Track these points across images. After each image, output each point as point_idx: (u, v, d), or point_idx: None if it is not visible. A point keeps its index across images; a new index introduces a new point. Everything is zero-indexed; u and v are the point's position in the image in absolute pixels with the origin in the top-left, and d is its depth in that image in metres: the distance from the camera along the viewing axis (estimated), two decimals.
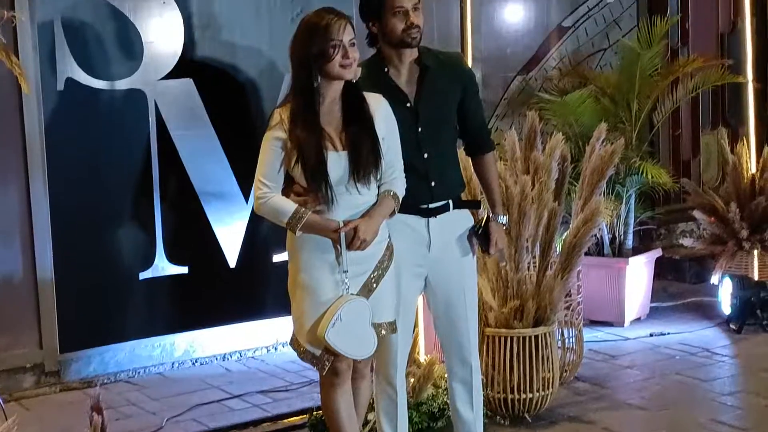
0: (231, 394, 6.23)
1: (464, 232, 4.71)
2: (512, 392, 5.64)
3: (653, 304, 7.69)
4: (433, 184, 4.57)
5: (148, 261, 6.56)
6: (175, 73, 6.53)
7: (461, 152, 4.90)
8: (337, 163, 4.24)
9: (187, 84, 6.57)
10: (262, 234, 6.80)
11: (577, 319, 6.38)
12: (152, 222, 6.54)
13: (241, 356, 6.90)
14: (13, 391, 6.24)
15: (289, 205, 4.24)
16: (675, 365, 6.54)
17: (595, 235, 6.69)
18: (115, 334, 6.54)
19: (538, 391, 5.66)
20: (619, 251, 7.54)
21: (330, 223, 4.25)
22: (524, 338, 5.61)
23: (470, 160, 4.93)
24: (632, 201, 7.64)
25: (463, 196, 4.87)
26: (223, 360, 6.85)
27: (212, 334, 6.83)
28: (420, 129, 4.54)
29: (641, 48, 7.64)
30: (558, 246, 5.94)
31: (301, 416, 5.78)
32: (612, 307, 7.36)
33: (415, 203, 4.52)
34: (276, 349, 6.98)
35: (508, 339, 5.62)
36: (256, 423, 5.81)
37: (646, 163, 7.50)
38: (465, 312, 4.74)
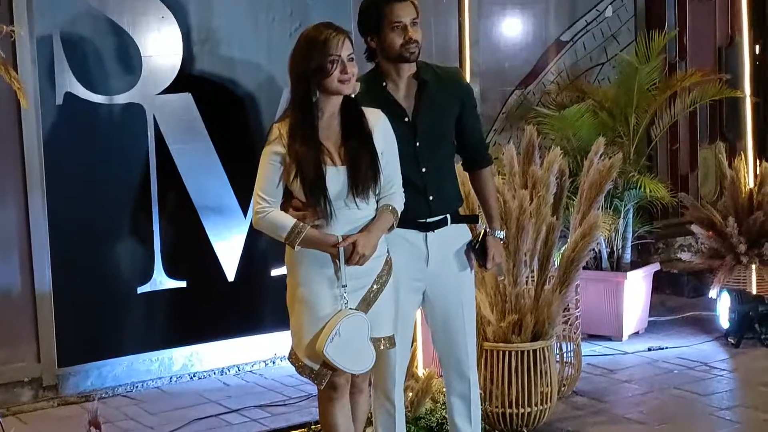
0: (229, 409, 6.22)
1: (462, 246, 4.72)
2: (510, 407, 5.64)
3: (651, 318, 7.68)
4: (431, 198, 4.58)
5: (147, 275, 6.56)
6: (174, 88, 6.53)
7: (459, 167, 4.90)
8: (335, 177, 4.25)
9: (185, 98, 6.58)
10: (260, 248, 6.80)
11: (575, 333, 6.38)
12: (150, 236, 6.54)
13: (239, 370, 6.89)
14: (11, 405, 6.24)
15: (287, 220, 4.24)
16: (673, 379, 6.54)
17: (594, 250, 6.69)
18: (113, 349, 6.53)
19: (536, 405, 5.66)
20: (618, 265, 7.54)
21: (329, 238, 4.26)
22: (522, 352, 5.61)
23: (468, 175, 4.94)
24: (630, 215, 7.64)
25: (461, 211, 4.88)
26: (222, 374, 6.84)
27: (210, 348, 6.82)
28: (418, 143, 4.55)
29: (639, 62, 7.66)
30: (556, 260, 5.94)
31: (299, 431, 5.78)
32: (610, 322, 7.36)
33: (413, 218, 4.53)
34: (274, 363, 6.98)
35: (507, 353, 5.62)
36: None
37: (644, 177, 7.51)
38: (463, 326, 4.74)
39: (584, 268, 6.04)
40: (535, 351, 5.63)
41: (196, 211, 6.64)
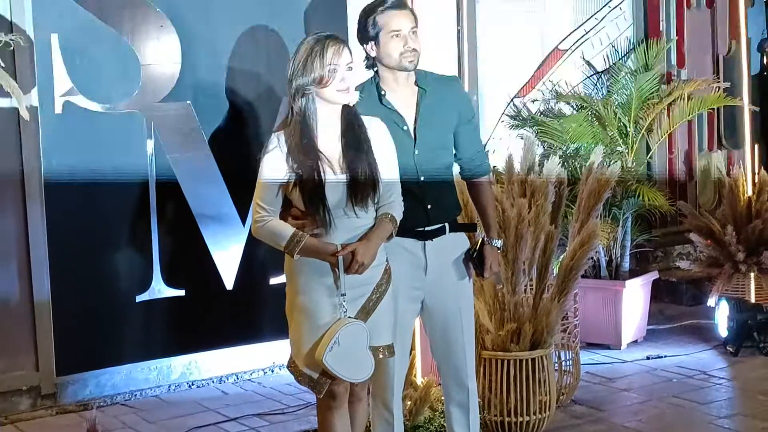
0: (227, 417, 6.22)
1: (460, 255, 4.73)
2: (509, 415, 5.64)
3: (650, 327, 7.68)
4: (429, 207, 4.59)
5: (145, 284, 6.56)
6: (173, 96, 6.54)
7: (457, 175, 4.91)
8: (334, 186, 4.25)
9: (184, 107, 6.58)
10: (259, 257, 6.81)
11: (573, 341, 6.38)
12: (149, 245, 6.54)
13: (237, 379, 6.89)
14: (10, 414, 6.23)
15: (287, 229, 4.25)
16: (672, 388, 6.53)
17: (592, 258, 6.70)
18: (112, 357, 6.53)
19: (534, 414, 5.66)
20: (616, 274, 7.54)
21: (328, 247, 4.26)
22: (521, 361, 5.62)
23: (466, 184, 4.94)
24: (629, 223, 7.64)
25: (460, 219, 4.88)
26: (220, 383, 6.84)
27: (209, 356, 6.82)
28: (416, 152, 4.55)
29: (638, 71, 7.66)
30: (555, 269, 5.94)
31: None
32: (609, 330, 7.36)
33: (411, 226, 4.53)
34: (273, 371, 6.98)
35: (505, 362, 5.62)
36: None
37: (642, 185, 7.51)
38: (462, 335, 4.74)
39: (583, 276, 6.04)
40: (533, 359, 5.63)
41: (194, 220, 6.64)
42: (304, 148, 4.23)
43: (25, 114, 5.67)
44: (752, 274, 7.68)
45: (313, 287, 4.31)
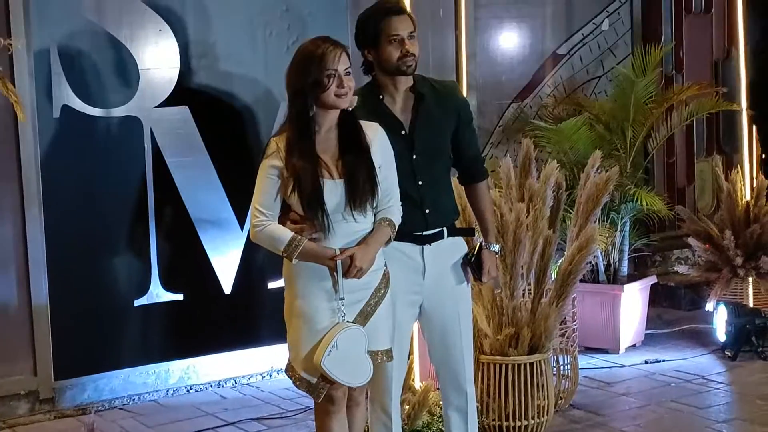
0: (226, 422, 6.22)
1: (459, 259, 4.72)
2: (507, 419, 5.64)
3: (648, 331, 7.68)
4: (427, 211, 4.59)
5: (143, 288, 6.56)
6: (171, 101, 6.54)
7: (455, 180, 4.91)
8: (333, 191, 4.25)
9: (183, 111, 6.59)
10: (257, 261, 6.81)
11: (572, 346, 6.38)
12: (147, 249, 6.54)
13: (236, 383, 6.89)
14: (8, 418, 6.23)
15: (285, 233, 4.24)
16: (670, 392, 6.53)
17: (590, 262, 6.71)
18: (110, 361, 6.53)
19: (533, 418, 5.66)
20: (614, 278, 7.54)
21: (326, 251, 4.26)
22: (519, 365, 5.61)
23: (464, 188, 4.94)
24: (627, 228, 7.64)
25: (458, 224, 4.88)
26: (218, 387, 6.84)
27: (207, 361, 6.82)
28: (415, 157, 4.55)
29: (636, 75, 7.66)
30: (553, 273, 5.94)
31: None
32: (607, 334, 7.36)
33: (409, 231, 4.53)
34: (271, 376, 6.98)
35: (503, 366, 5.62)
36: None
37: (640, 190, 7.51)
38: (460, 339, 4.74)
39: (581, 280, 6.04)
40: (532, 364, 5.63)
41: (192, 224, 6.65)
42: (302, 152, 4.23)
43: (22, 118, 5.66)
44: (750, 279, 7.68)
45: (312, 291, 4.31)
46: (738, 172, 7.94)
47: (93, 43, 6.32)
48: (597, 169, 6.39)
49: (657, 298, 8.27)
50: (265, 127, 6.76)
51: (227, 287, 6.79)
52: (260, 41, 6.83)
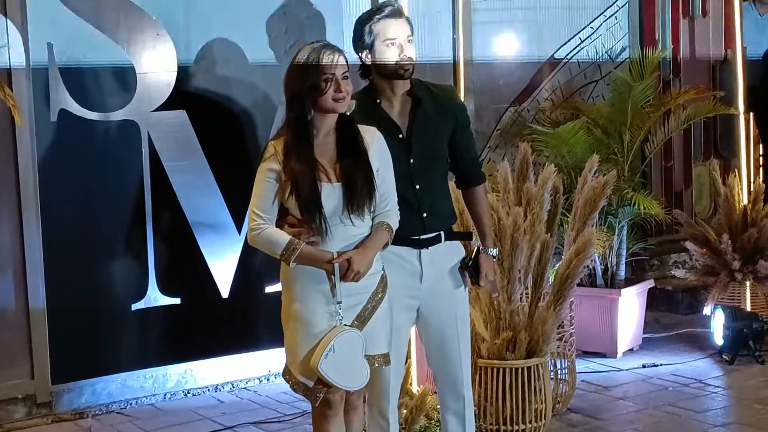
0: (223, 426, 6.21)
1: (456, 263, 4.72)
2: (504, 424, 5.64)
3: (646, 335, 7.68)
4: (424, 215, 4.58)
5: (141, 292, 6.55)
6: (169, 105, 6.54)
7: (452, 184, 4.91)
8: (331, 194, 4.25)
9: (180, 116, 6.59)
10: (254, 265, 6.80)
11: (569, 350, 6.38)
12: (145, 253, 6.54)
13: (233, 387, 6.89)
14: (5, 422, 6.22)
15: (282, 237, 4.24)
16: (668, 396, 6.53)
17: (588, 266, 6.70)
18: (108, 365, 6.53)
19: (530, 422, 5.66)
20: (612, 282, 7.54)
21: (324, 255, 4.26)
22: (517, 369, 5.61)
23: (461, 192, 4.94)
24: (624, 232, 7.64)
25: (455, 228, 4.88)
26: (216, 391, 6.84)
27: (205, 365, 6.81)
28: (412, 161, 4.55)
29: (633, 80, 7.67)
30: (550, 277, 5.94)
31: None
32: (604, 338, 7.36)
33: (406, 235, 4.53)
34: (268, 380, 6.97)
35: (501, 370, 5.62)
36: None
37: (638, 194, 7.51)
38: (457, 343, 4.74)
39: (578, 284, 6.04)
40: (529, 368, 5.63)
41: (190, 228, 6.64)
42: (300, 156, 4.23)
43: (19, 121, 5.66)
44: (748, 283, 7.68)
45: (309, 295, 4.31)
46: (735, 176, 7.95)
47: (90, 47, 6.31)
48: (594, 173, 6.40)
49: (654, 302, 8.27)
50: (263, 130, 6.76)
51: (225, 291, 6.79)
52: (258, 45, 6.82)
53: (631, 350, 7.48)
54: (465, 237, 4.98)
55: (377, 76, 4.57)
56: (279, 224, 4.31)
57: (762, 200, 7.82)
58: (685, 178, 8.98)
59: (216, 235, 6.71)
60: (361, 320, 4.35)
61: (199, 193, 6.66)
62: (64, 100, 6.23)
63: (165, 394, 6.71)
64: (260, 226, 4.27)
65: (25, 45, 6.07)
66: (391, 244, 4.43)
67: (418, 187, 4.57)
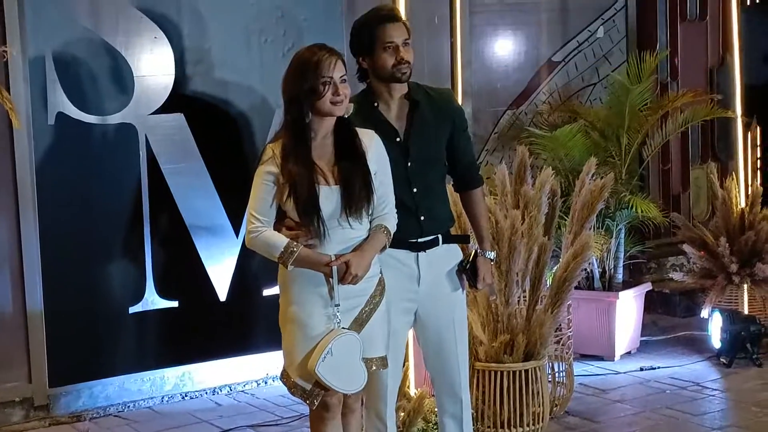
0: (221, 429, 6.21)
1: (454, 266, 4.72)
2: (502, 427, 5.64)
3: (643, 338, 7.68)
4: (422, 218, 4.59)
5: (138, 295, 6.55)
6: (166, 108, 6.54)
7: (450, 187, 4.91)
8: (329, 197, 4.26)
9: (178, 118, 6.59)
10: (252, 268, 6.80)
11: (567, 353, 6.38)
12: (142, 256, 6.53)
13: (231, 390, 6.88)
14: (2, 426, 6.22)
15: (280, 240, 4.25)
16: (665, 399, 6.53)
17: (585, 269, 6.70)
18: (105, 368, 6.52)
19: (528, 425, 5.66)
20: (609, 285, 7.54)
21: (322, 257, 4.26)
22: (514, 372, 5.62)
23: (459, 196, 4.94)
24: (622, 235, 7.64)
25: (453, 231, 4.88)
26: (213, 394, 6.83)
27: (202, 368, 6.81)
28: (409, 164, 4.56)
29: (631, 83, 7.67)
30: (548, 280, 5.95)
31: None
32: (602, 341, 7.36)
33: (404, 238, 4.53)
34: (266, 383, 6.97)
35: (498, 373, 5.62)
36: None
37: (635, 197, 7.52)
38: (455, 346, 4.74)
39: (576, 287, 6.05)
40: (527, 371, 5.63)
41: (187, 231, 6.64)
42: (298, 159, 4.23)
43: (17, 124, 5.66)
44: (745, 286, 7.67)
45: (307, 298, 4.31)
46: (733, 179, 7.95)
47: (88, 50, 6.32)
48: (592, 176, 6.40)
49: (652, 305, 8.28)
50: (261, 133, 6.76)
51: (222, 294, 6.79)
52: (255, 48, 6.83)
53: (628, 353, 7.48)
54: (463, 240, 4.98)
55: (375, 80, 4.57)
56: (277, 227, 4.31)
57: (759, 203, 7.82)
58: (682, 181, 8.98)
59: (213, 238, 6.71)
60: (359, 323, 4.35)
61: (196, 196, 6.66)
62: (61, 103, 6.23)
63: (163, 397, 6.70)
64: (258, 228, 4.27)
65: (23, 48, 6.07)
66: (389, 247, 4.43)
67: (415, 190, 4.57)
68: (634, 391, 6.74)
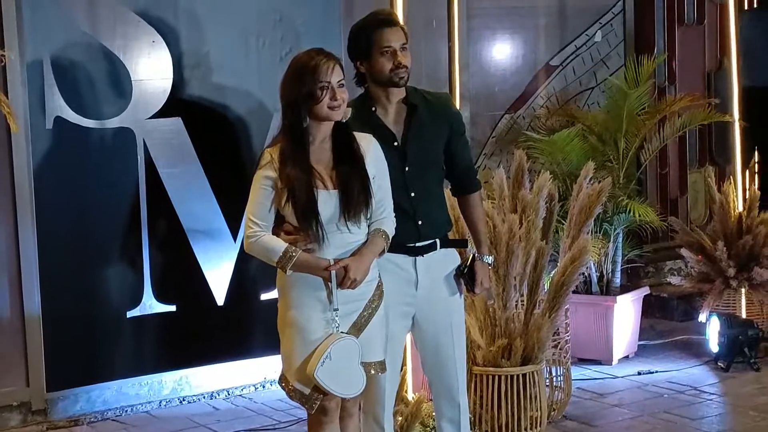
0: None
1: (451, 271, 4.72)
2: (500, 431, 5.64)
3: (641, 342, 7.68)
4: (420, 223, 4.59)
5: (136, 299, 6.55)
6: (164, 112, 6.54)
7: (448, 191, 4.91)
8: (327, 201, 4.26)
9: (176, 123, 6.58)
10: (250, 272, 6.80)
11: (565, 357, 6.38)
12: (140, 260, 6.53)
13: (228, 394, 6.88)
14: (0, 430, 6.21)
15: (279, 245, 4.25)
16: (663, 404, 6.53)
17: (583, 274, 6.70)
18: (103, 373, 6.52)
19: (526, 430, 5.66)
20: (607, 289, 7.54)
21: (321, 262, 4.26)
22: (512, 377, 5.62)
23: (457, 200, 4.94)
24: (620, 239, 7.64)
25: (451, 235, 4.88)
26: (211, 398, 6.83)
27: (200, 372, 6.81)
28: (407, 168, 4.56)
29: (628, 87, 7.67)
30: (546, 284, 5.95)
31: None
32: (600, 345, 7.36)
33: (402, 242, 4.53)
34: (264, 387, 6.97)
35: (496, 377, 5.62)
36: None
37: (633, 201, 7.52)
38: (453, 351, 4.74)
39: (574, 292, 6.05)
40: (524, 375, 5.64)
41: (185, 235, 6.64)
42: (296, 163, 4.23)
43: (15, 129, 5.66)
44: (743, 290, 7.67)
45: (306, 302, 4.31)
46: (731, 183, 7.94)
47: (86, 54, 6.32)
48: (590, 180, 6.40)
49: (650, 309, 8.27)
50: (258, 138, 6.76)
51: (220, 299, 6.78)
52: (253, 52, 6.83)
53: (626, 357, 7.48)
54: (460, 244, 4.98)
55: (372, 84, 4.58)
56: (275, 231, 4.31)
57: (757, 207, 7.82)
58: (680, 185, 8.98)
59: (211, 242, 6.71)
60: (358, 327, 4.36)
61: (194, 200, 6.65)
62: (59, 107, 6.23)
63: (160, 402, 6.70)
64: (257, 233, 4.27)
65: (21, 52, 6.06)
66: (387, 251, 4.43)
67: (413, 194, 4.58)
68: (631, 395, 6.74)
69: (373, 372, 4.41)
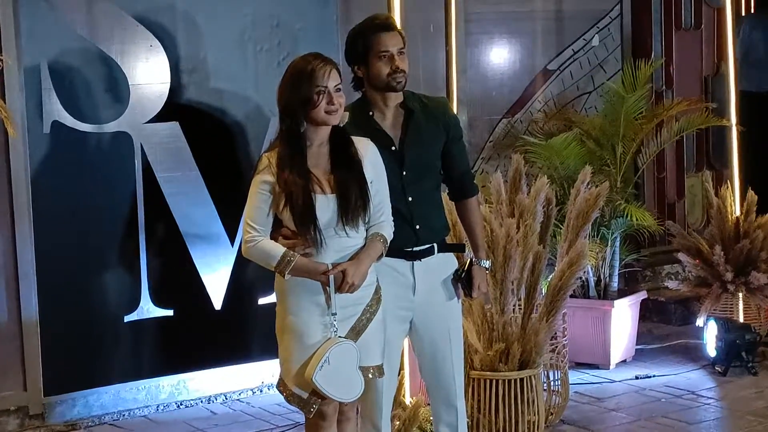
0: None
1: (449, 275, 4.73)
2: None
3: (639, 347, 7.68)
4: (417, 227, 4.59)
5: (134, 303, 6.54)
6: (162, 117, 6.53)
7: (445, 196, 4.92)
8: (325, 206, 4.26)
9: (173, 127, 6.58)
10: (247, 276, 6.80)
11: (562, 361, 6.38)
12: (137, 264, 6.53)
13: (226, 399, 6.87)
14: None
15: (277, 249, 4.25)
16: (661, 408, 6.53)
17: (581, 278, 6.70)
18: (100, 377, 6.51)
19: None
20: (605, 293, 7.54)
21: (319, 266, 4.27)
22: (509, 381, 5.62)
23: (454, 204, 4.95)
24: (617, 243, 7.64)
25: (448, 240, 4.89)
26: (209, 402, 6.82)
27: (197, 376, 6.80)
28: (404, 173, 4.56)
29: (626, 91, 7.67)
30: (543, 289, 5.95)
31: None
32: (597, 350, 7.36)
33: (399, 247, 4.53)
34: (261, 391, 6.96)
35: (494, 382, 5.62)
36: None
37: (630, 205, 7.51)
38: (450, 355, 4.74)
39: (571, 296, 6.05)
40: (522, 379, 5.63)
41: (183, 240, 6.64)
42: (294, 168, 4.24)
43: (12, 133, 5.66)
44: (740, 294, 7.68)
45: (304, 307, 4.31)
46: (728, 187, 7.95)
47: (83, 58, 6.31)
48: (587, 185, 6.40)
49: (647, 313, 8.28)
50: (256, 142, 6.76)
51: (217, 303, 6.78)
52: (251, 57, 6.83)
53: (623, 361, 7.48)
54: (458, 249, 4.98)
55: (370, 89, 4.58)
56: (273, 236, 4.32)
57: (754, 211, 7.83)
58: (677, 190, 8.99)
59: (209, 247, 6.70)
60: (356, 332, 4.36)
61: (191, 205, 6.65)
62: (56, 111, 6.23)
63: (158, 406, 6.69)
64: (255, 238, 4.28)
65: (18, 57, 6.06)
66: (385, 255, 4.43)
67: (410, 199, 4.58)
68: (629, 399, 6.74)
69: (371, 376, 4.41)
